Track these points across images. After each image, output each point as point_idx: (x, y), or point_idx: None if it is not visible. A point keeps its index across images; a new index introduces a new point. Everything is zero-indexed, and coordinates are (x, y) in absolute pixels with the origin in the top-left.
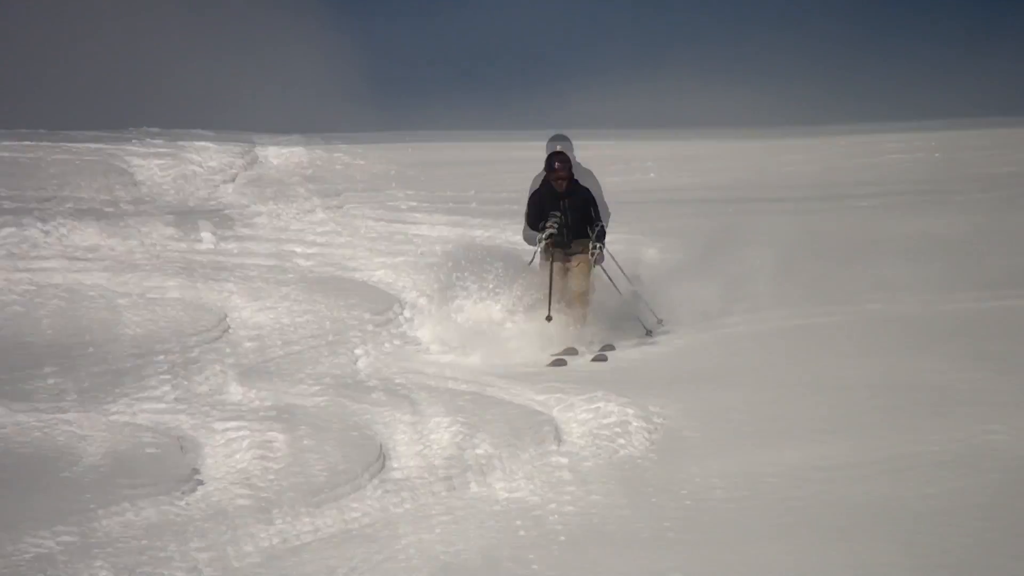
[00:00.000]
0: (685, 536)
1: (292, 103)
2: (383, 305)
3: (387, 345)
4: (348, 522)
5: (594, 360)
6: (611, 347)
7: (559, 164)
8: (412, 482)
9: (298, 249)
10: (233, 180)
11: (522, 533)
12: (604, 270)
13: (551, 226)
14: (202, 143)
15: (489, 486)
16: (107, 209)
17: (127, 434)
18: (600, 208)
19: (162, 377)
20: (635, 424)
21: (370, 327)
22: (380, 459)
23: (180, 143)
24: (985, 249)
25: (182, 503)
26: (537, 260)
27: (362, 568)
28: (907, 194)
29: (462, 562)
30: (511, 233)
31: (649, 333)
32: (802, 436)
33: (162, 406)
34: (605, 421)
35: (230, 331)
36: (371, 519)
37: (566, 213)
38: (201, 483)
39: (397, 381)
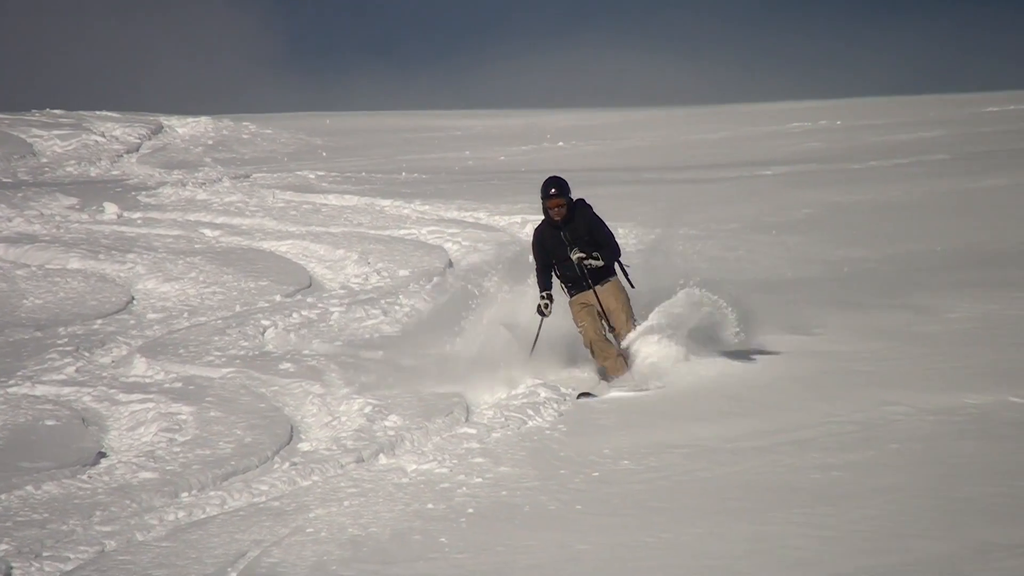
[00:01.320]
0: (593, 510)
1: (203, 84)
2: (292, 277)
3: (295, 317)
4: (255, 496)
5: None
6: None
7: (555, 190)
8: (321, 456)
9: (205, 220)
10: (137, 151)
11: (431, 506)
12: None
13: (542, 304)
14: (106, 115)
15: (398, 460)
16: (5, 179)
17: (26, 408)
18: (606, 237)
19: (63, 350)
20: (544, 396)
21: (278, 298)
22: (288, 433)
23: (84, 116)
24: (880, 216)
25: (84, 478)
26: (537, 342)
27: (269, 542)
28: (811, 163)
29: (371, 536)
30: (419, 203)
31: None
32: (710, 413)
33: (63, 378)
34: (515, 394)
35: (134, 304)
36: (279, 493)
37: (569, 244)
38: (104, 457)
39: (305, 354)
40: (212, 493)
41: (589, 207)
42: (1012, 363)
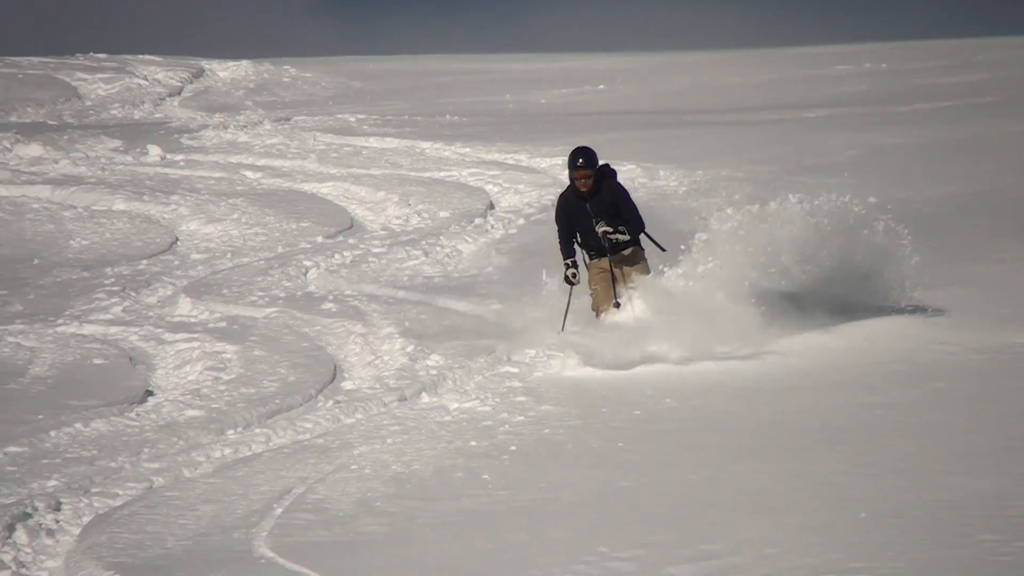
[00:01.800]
0: (636, 448)
1: (244, 28)
2: (334, 218)
3: (337, 258)
4: (300, 434)
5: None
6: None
7: (582, 161)
8: (364, 394)
9: (246, 162)
10: (179, 95)
11: (473, 444)
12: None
13: (569, 274)
14: (149, 58)
15: (440, 398)
16: (51, 122)
17: (74, 347)
18: (631, 210)
19: (110, 290)
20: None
21: (320, 240)
22: (332, 372)
23: (127, 60)
24: (923, 159)
25: (132, 416)
26: (566, 319)
27: (314, 479)
28: (854, 105)
29: (414, 473)
30: (459, 145)
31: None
32: (753, 352)
33: (110, 318)
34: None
35: (178, 245)
36: (323, 431)
37: (595, 215)
38: (151, 395)
39: (348, 293)
40: (257, 431)
41: (614, 177)
42: None
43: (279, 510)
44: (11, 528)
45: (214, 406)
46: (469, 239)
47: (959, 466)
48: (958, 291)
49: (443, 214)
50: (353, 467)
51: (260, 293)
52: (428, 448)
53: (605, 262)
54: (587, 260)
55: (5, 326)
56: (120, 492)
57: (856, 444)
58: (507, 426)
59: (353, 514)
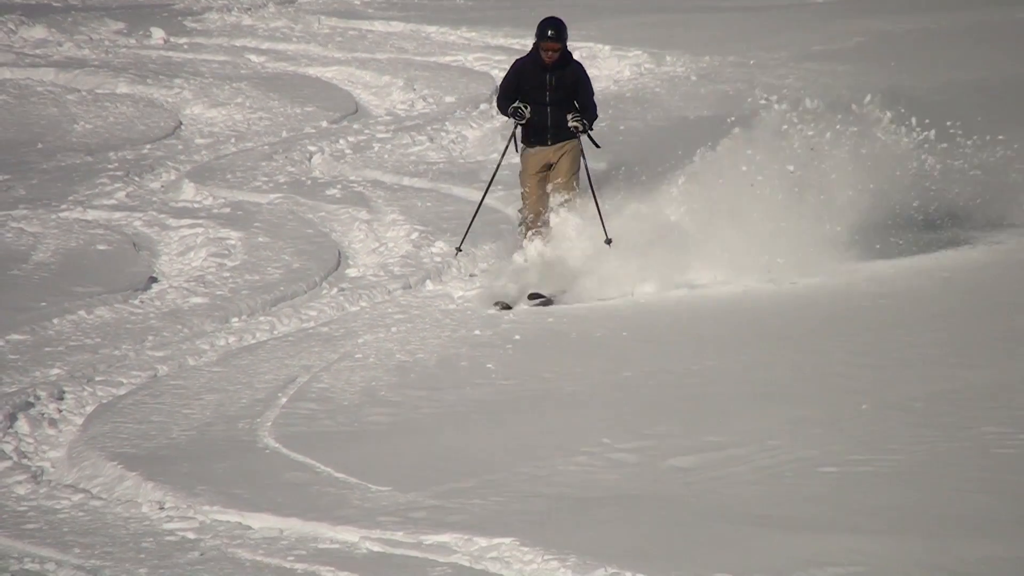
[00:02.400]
0: (640, 337)
1: None
2: (338, 103)
3: (342, 143)
4: (304, 322)
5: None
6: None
7: (552, 32)
8: (368, 282)
9: (250, 46)
10: None
11: (477, 333)
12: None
13: (519, 112)
14: None
15: (445, 286)
16: (55, 4)
17: (78, 232)
18: (589, 97)
19: (114, 175)
20: (590, 231)
21: (324, 124)
22: (336, 259)
23: None
24: (931, 45)
25: (136, 303)
26: (513, 148)
27: (319, 368)
28: None
29: (418, 362)
30: (465, 29)
31: (608, 242)
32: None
33: (114, 203)
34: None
35: (182, 129)
36: (327, 319)
37: (551, 90)
38: (155, 282)
39: (352, 179)
40: (261, 319)
41: (584, 72)
42: None
43: (283, 399)
44: (13, 417)
45: (218, 293)
46: (475, 125)
47: (962, 358)
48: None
49: (448, 99)
50: (358, 356)
51: (264, 178)
52: (432, 337)
53: (546, 153)
54: (518, 143)
55: (8, 211)
56: (124, 381)
57: (862, 335)
58: (511, 315)
59: (358, 403)
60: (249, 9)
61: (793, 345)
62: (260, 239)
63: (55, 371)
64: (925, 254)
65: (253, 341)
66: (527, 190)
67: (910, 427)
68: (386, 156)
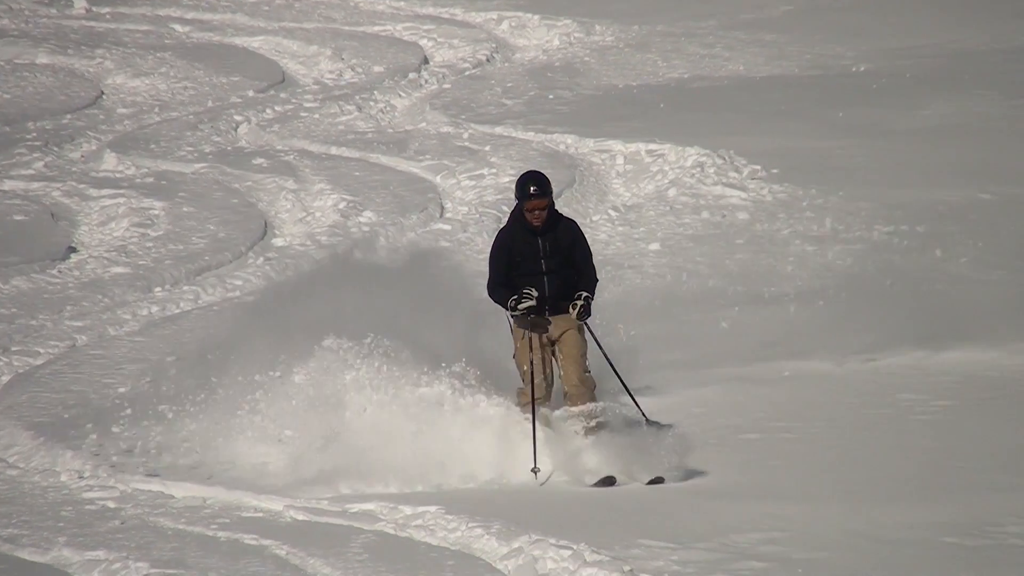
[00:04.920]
0: None
1: None
2: (265, 73)
3: (269, 113)
4: (230, 291)
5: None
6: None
7: (536, 188)
8: (295, 251)
9: (175, 15)
10: None
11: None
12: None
13: (526, 297)
14: None
15: (375, 254)
16: None
17: None
18: (588, 261)
19: (32, 145)
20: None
21: (251, 94)
22: (262, 228)
23: None
24: (859, 14)
25: (54, 272)
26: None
27: (244, 337)
28: None
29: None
30: None
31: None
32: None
33: (32, 173)
34: (494, 184)
35: (104, 99)
36: (253, 288)
37: (546, 255)
38: (74, 252)
39: (279, 149)
40: (186, 288)
41: (579, 230)
42: (982, 160)
43: (206, 369)
44: None
45: (141, 263)
46: (403, 94)
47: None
48: (887, 146)
49: (377, 69)
50: (284, 324)
51: (189, 148)
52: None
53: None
54: (512, 320)
55: None
56: (41, 351)
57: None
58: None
59: (282, 373)
60: None
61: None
62: (184, 209)
63: None
64: (843, 217)
65: (177, 311)
66: (524, 372)
67: (830, 394)
68: (313, 126)
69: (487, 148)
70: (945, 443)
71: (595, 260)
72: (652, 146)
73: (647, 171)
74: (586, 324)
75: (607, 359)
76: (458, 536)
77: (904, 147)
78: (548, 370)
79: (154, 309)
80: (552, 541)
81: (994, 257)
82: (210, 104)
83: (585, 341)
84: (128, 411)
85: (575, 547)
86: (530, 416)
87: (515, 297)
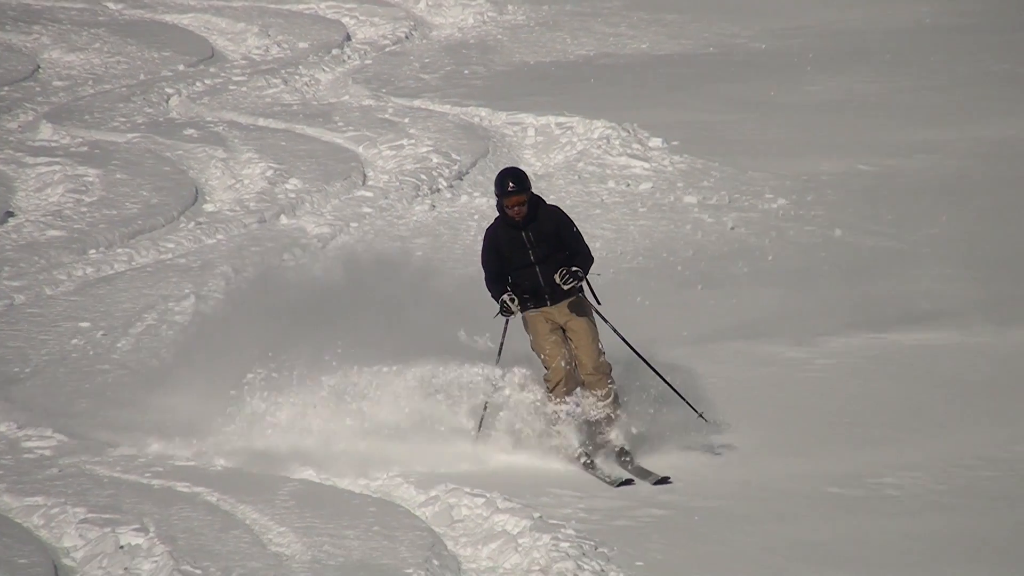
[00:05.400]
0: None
1: None
2: (195, 48)
3: (199, 86)
4: (163, 253)
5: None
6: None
7: (513, 184)
8: (225, 216)
9: None
10: None
11: (330, 255)
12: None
13: (504, 310)
14: None
15: (299, 220)
16: None
17: None
18: (579, 241)
19: None
20: (435, 161)
21: (181, 68)
22: (193, 195)
23: None
24: None
25: None
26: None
27: (176, 297)
28: None
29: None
30: None
31: (701, 416)
32: None
33: None
34: (412, 154)
35: (40, 72)
36: (185, 251)
37: (533, 247)
38: (12, 216)
39: (209, 120)
40: (120, 250)
41: (563, 215)
42: (861, 133)
43: (140, 327)
44: None
45: (76, 227)
46: (327, 69)
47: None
48: (776, 120)
49: (302, 45)
50: (212, 286)
51: (122, 119)
52: (292, 264)
53: (552, 313)
54: (517, 307)
55: None
56: None
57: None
58: (362, 245)
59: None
60: None
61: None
62: (118, 176)
63: None
64: (740, 190)
65: (111, 272)
66: (546, 355)
67: (724, 356)
68: (241, 98)
69: (406, 120)
70: (830, 402)
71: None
72: (561, 119)
73: (557, 142)
74: (598, 312)
75: (624, 340)
76: (379, 485)
77: (792, 121)
78: (565, 352)
79: (89, 270)
80: (467, 490)
81: (872, 224)
82: (142, 77)
83: (593, 324)
84: (61, 368)
85: (488, 495)
86: (560, 407)
87: (501, 300)
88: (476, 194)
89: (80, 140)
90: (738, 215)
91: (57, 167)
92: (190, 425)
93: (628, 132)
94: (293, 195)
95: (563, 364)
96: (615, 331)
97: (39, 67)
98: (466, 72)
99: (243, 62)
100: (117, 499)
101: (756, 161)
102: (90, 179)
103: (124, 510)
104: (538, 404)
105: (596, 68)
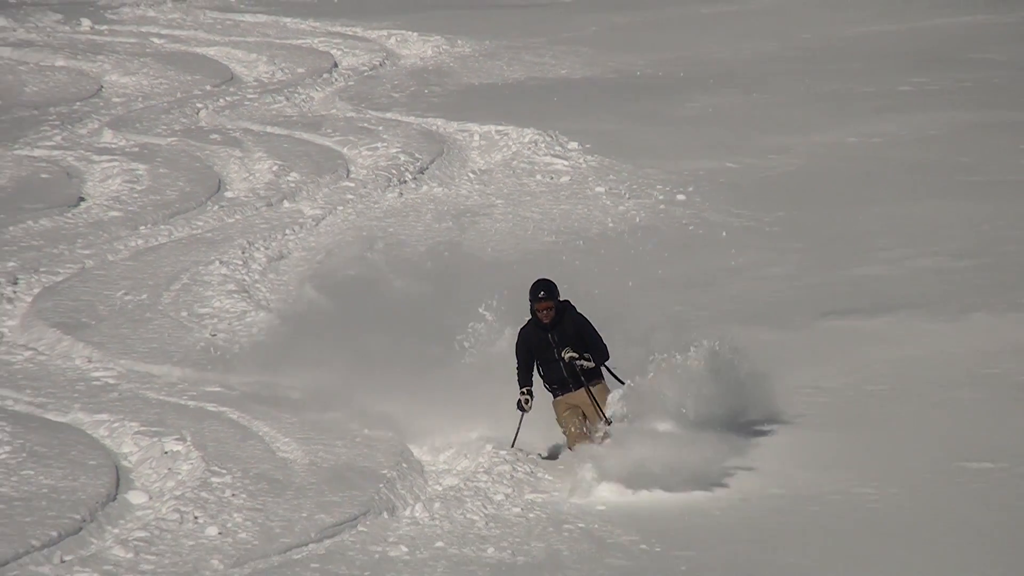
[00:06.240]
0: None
1: None
2: (218, 73)
3: (221, 102)
4: (194, 229)
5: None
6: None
7: (543, 293)
8: (241, 201)
9: (153, 31)
10: None
11: (323, 230)
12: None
13: (523, 399)
14: None
15: (297, 204)
16: (10, 1)
17: (27, 165)
18: (595, 339)
19: (53, 124)
20: (403, 159)
21: (208, 88)
22: (217, 185)
23: None
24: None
25: (69, 216)
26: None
27: (205, 261)
28: None
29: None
30: (312, 20)
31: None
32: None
33: (53, 144)
34: (385, 154)
35: (103, 91)
36: (211, 227)
37: (557, 347)
38: (83, 201)
39: (229, 127)
40: (162, 227)
41: (586, 320)
42: (727, 138)
43: (178, 285)
44: None
45: (130, 209)
46: (319, 89)
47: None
48: (662, 127)
49: (300, 70)
50: (233, 254)
51: (164, 127)
52: (292, 238)
53: (574, 397)
54: (529, 407)
55: None
56: (60, 270)
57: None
58: (346, 223)
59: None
60: (152, 4)
61: None
62: (161, 170)
63: (11, 264)
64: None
65: (156, 243)
66: (565, 427)
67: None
68: (254, 111)
69: (380, 128)
70: None
71: (459, 211)
72: (499, 127)
73: (496, 145)
74: (612, 376)
75: (616, 378)
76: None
77: (675, 130)
78: (577, 422)
79: (140, 242)
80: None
81: (736, 208)
82: (179, 95)
83: (602, 398)
84: (120, 317)
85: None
86: (575, 450)
87: (519, 397)
88: (434, 185)
89: (133, 143)
90: (635, 202)
91: (116, 163)
92: (221, 360)
93: (551, 137)
94: (293, 185)
95: (574, 431)
96: (616, 377)
97: (102, 87)
98: (426, 91)
99: (255, 84)
100: (162, 416)
101: (649, 160)
102: (140, 172)
103: (168, 424)
104: None
105: (526, 88)
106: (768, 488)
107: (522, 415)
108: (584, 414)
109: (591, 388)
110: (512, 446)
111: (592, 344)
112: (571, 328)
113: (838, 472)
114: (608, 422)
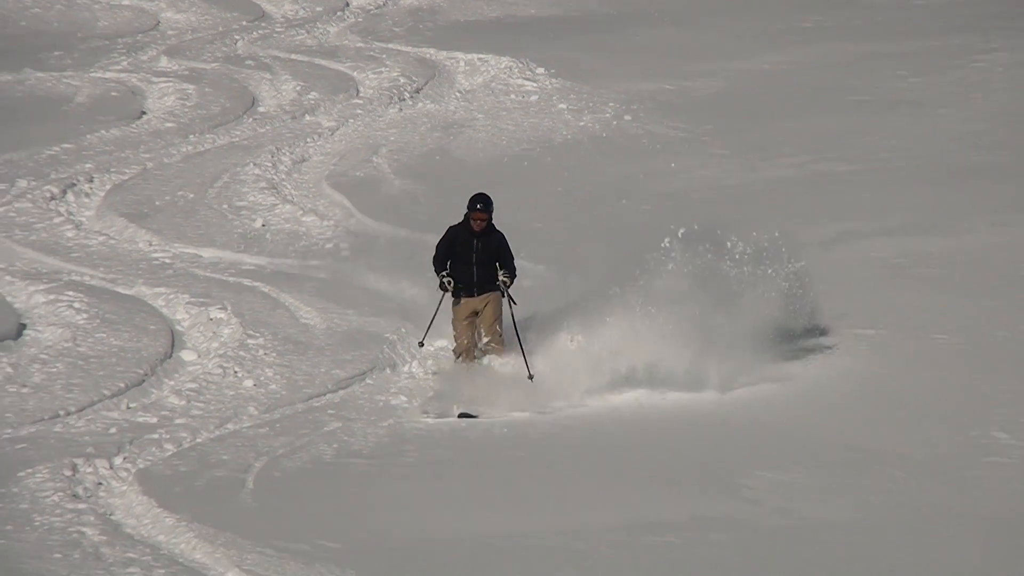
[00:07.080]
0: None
1: None
2: (252, 11)
3: (255, 34)
4: (233, 138)
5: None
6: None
7: (481, 205)
8: (271, 114)
9: None
10: None
11: (337, 138)
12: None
13: (445, 284)
14: None
15: (316, 117)
16: None
17: (100, 85)
18: (510, 260)
19: (120, 52)
20: (402, 81)
21: (244, 23)
22: (251, 100)
23: None
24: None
25: (133, 127)
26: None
27: (241, 163)
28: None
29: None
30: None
31: (531, 377)
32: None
33: (120, 68)
34: (387, 77)
35: (160, 25)
36: (246, 136)
37: (477, 252)
38: (144, 114)
39: (261, 55)
40: (208, 135)
41: (504, 239)
42: (668, 66)
43: (218, 184)
44: (64, 192)
45: (181, 121)
46: (334, 24)
47: None
48: (616, 56)
49: (318, 9)
50: (263, 158)
51: (208, 55)
52: (312, 144)
53: (472, 302)
54: (452, 288)
55: (60, 72)
56: (127, 171)
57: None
58: (354, 135)
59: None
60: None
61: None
62: (207, 90)
63: (88, 165)
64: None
65: (202, 149)
66: (457, 332)
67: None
68: (281, 42)
69: (384, 56)
70: None
71: (448, 124)
72: (481, 55)
73: (478, 70)
74: (510, 300)
75: (515, 327)
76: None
77: (624, 58)
78: (470, 334)
79: (189, 148)
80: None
81: (673, 122)
82: (220, 29)
83: (499, 311)
84: (174, 208)
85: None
86: (460, 363)
87: (441, 279)
88: (427, 102)
89: (184, 67)
90: (591, 116)
91: (170, 84)
92: (254, 241)
93: (523, 64)
94: (313, 102)
95: (465, 342)
96: (513, 320)
97: (159, 22)
98: (421, 26)
99: (282, 20)
100: (208, 289)
101: (603, 83)
102: (190, 91)
103: (212, 296)
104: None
105: (503, 24)
106: None
107: (442, 296)
108: (479, 326)
109: (486, 295)
110: (426, 334)
111: (506, 261)
112: (494, 243)
113: None
114: (530, 376)
